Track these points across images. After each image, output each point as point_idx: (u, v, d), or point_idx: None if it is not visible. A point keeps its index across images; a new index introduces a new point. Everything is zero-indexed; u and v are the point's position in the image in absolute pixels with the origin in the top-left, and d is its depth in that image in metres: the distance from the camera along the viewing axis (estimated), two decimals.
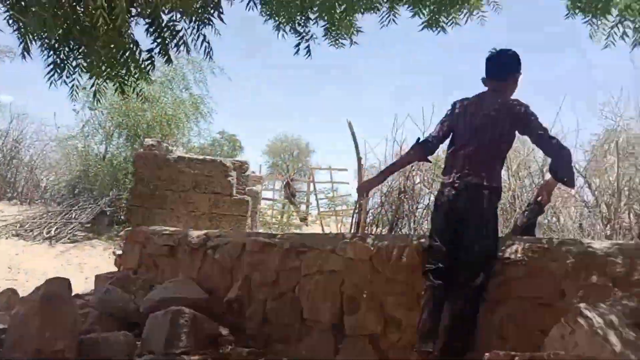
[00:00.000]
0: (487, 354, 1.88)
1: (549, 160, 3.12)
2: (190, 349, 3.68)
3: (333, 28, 4.26)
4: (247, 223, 6.80)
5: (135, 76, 4.00)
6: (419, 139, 3.31)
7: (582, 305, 2.18)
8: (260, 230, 8.08)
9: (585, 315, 2.07)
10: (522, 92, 3.08)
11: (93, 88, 3.91)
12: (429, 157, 3.37)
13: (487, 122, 2.99)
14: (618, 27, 3.48)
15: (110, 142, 14.87)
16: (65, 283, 3.67)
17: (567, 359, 1.57)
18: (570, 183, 3.06)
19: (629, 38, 3.51)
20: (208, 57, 3.99)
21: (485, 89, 3.15)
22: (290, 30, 4.26)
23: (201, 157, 7.17)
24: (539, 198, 3.19)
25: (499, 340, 2.82)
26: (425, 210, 6.61)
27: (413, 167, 6.46)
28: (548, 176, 3.24)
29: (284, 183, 17.23)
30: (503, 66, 3.09)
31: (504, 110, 2.99)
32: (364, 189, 3.69)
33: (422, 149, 3.27)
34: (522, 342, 2.70)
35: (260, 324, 4.03)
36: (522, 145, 7.25)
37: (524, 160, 6.55)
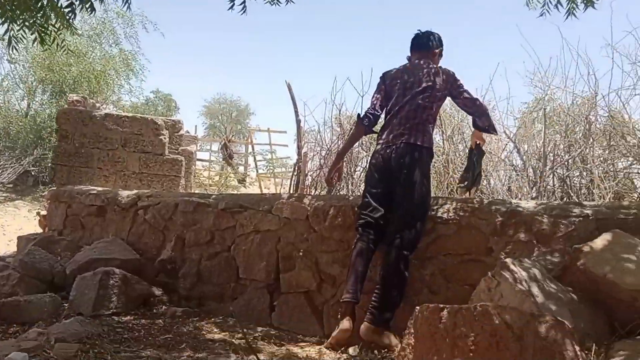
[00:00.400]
0: (417, 307, 1.92)
1: (471, 117, 3.42)
2: (120, 310, 3.58)
3: None
4: (181, 183, 6.61)
5: (56, 26, 3.69)
6: (359, 115, 3.43)
7: (507, 259, 2.27)
8: (196, 191, 7.89)
9: (511, 268, 2.16)
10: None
11: (7, 34, 3.58)
12: (373, 129, 3.44)
13: (418, 86, 3.19)
14: None
15: (33, 98, 13.99)
16: None
17: (493, 309, 1.62)
18: (493, 129, 3.38)
19: (562, 7, 3.60)
20: (127, 5, 3.72)
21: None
22: None
23: (130, 114, 6.83)
24: (478, 142, 3.40)
25: (429, 295, 2.93)
26: (362, 173, 6.68)
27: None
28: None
29: (222, 144, 16.88)
30: (428, 39, 3.38)
31: (432, 74, 3.22)
32: (330, 179, 3.64)
33: (364, 125, 3.36)
34: (452, 296, 2.82)
35: (194, 284, 3.96)
36: (457, 112, 7.42)
37: (457, 125, 6.71)
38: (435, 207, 3.07)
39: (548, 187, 5.29)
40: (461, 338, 1.66)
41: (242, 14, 3.95)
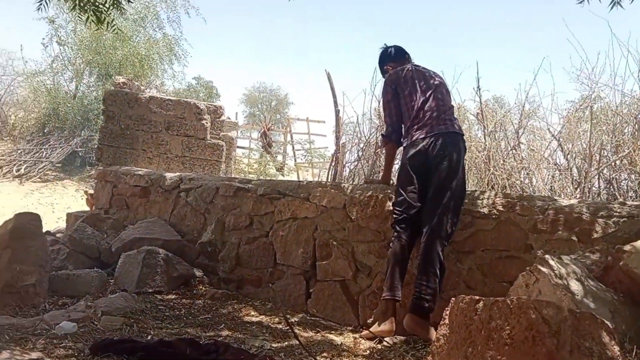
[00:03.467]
0: (452, 298, 1.94)
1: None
2: (162, 288, 3.72)
3: None
4: (222, 168, 6.74)
5: (107, 5, 3.82)
6: (383, 135, 3.54)
7: (546, 255, 2.25)
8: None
9: (550, 264, 2.15)
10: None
11: (68, 6, 3.74)
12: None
13: (434, 82, 3.28)
14: None
15: (80, 80, 14.41)
16: (35, 217, 3.63)
17: (529, 303, 1.63)
18: None
19: None
20: None
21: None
22: None
23: (174, 98, 6.99)
24: None
25: (466, 289, 2.93)
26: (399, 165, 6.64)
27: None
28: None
29: (261, 132, 17.07)
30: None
31: (435, 74, 3.38)
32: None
33: (395, 141, 3.43)
34: (489, 292, 2.81)
35: (233, 267, 4.07)
36: (500, 107, 7.29)
37: (500, 121, 6.58)
38: (474, 201, 3.06)
39: (593, 188, 5.15)
40: (496, 331, 1.67)
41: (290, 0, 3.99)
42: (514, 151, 6.03)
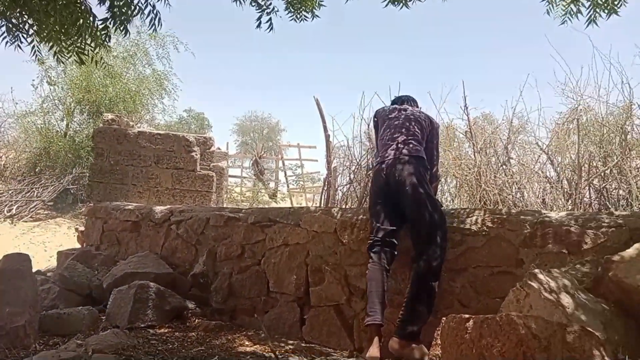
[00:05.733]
0: (444, 318, 1.92)
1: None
2: (155, 322, 3.66)
3: (295, 1, 4.18)
4: (213, 199, 6.73)
5: (92, 45, 3.87)
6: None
7: (536, 270, 2.24)
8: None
9: (539, 279, 2.14)
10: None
11: (52, 50, 3.79)
12: None
13: (410, 118, 3.52)
14: (574, 4, 3.54)
15: (71, 118, 14.44)
16: (25, 258, 3.58)
17: (518, 319, 1.61)
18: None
19: (582, 16, 3.59)
20: (153, 28, 3.86)
21: None
22: (251, 3, 4.15)
23: (163, 132, 7.02)
24: None
25: (460, 307, 2.90)
26: None
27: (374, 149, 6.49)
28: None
29: (253, 160, 17.11)
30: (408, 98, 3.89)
31: (418, 113, 3.60)
32: None
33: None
34: (482, 309, 2.78)
35: (226, 297, 4.03)
36: (489, 124, 7.34)
37: (489, 137, 6.63)
38: (463, 219, 3.05)
39: (584, 199, 5.17)
40: (487, 348, 1.65)
41: (269, 31, 4.06)
42: (504, 167, 6.06)
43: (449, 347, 1.83)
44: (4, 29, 3.69)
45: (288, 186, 14.70)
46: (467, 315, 1.80)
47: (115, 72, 13.92)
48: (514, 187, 5.88)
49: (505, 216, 2.93)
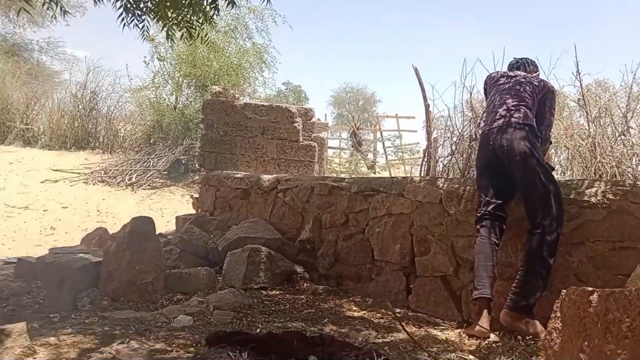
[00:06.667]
0: (563, 290, 1.87)
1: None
2: (267, 284, 3.89)
3: None
4: (315, 169, 6.91)
5: (200, 21, 4.06)
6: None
7: None
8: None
9: None
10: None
11: (164, 30, 4.03)
12: None
13: (521, 82, 3.36)
14: None
15: (180, 92, 15.31)
16: (149, 221, 3.91)
17: None
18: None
19: None
20: (267, 1, 3.98)
21: None
22: None
23: (267, 103, 7.27)
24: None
25: (577, 282, 2.78)
26: None
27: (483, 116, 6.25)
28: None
29: (350, 131, 17.18)
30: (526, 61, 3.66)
31: (530, 76, 3.42)
32: None
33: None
34: (602, 285, 2.63)
35: (332, 264, 4.16)
36: (603, 91, 6.78)
37: (605, 105, 6.14)
38: (581, 190, 2.90)
39: None
40: (614, 323, 1.59)
41: None
42: (622, 137, 5.62)
43: (570, 320, 1.78)
44: (121, 10, 3.94)
45: (387, 157, 14.63)
46: (590, 288, 1.73)
47: (218, 46, 14.48)
48: (634, 159, 5.45)
49: (628, 188, 2.74)
